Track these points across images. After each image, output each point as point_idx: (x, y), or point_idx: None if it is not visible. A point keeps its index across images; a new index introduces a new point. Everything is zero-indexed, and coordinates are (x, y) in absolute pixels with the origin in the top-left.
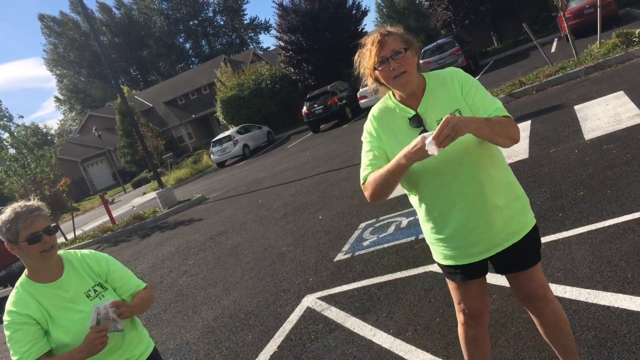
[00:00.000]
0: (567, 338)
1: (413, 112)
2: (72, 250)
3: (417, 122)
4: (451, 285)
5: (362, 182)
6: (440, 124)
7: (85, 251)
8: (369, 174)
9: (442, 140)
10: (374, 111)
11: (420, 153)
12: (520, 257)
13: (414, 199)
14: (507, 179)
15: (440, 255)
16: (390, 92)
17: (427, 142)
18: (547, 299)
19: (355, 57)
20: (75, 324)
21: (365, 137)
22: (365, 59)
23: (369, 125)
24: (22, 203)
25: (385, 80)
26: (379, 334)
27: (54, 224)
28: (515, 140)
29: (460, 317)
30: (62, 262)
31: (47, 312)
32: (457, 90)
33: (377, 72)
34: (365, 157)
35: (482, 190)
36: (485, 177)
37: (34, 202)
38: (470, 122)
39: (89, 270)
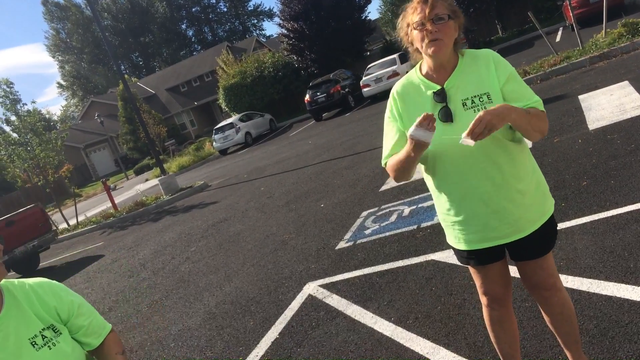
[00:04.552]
0: (572, 327)
1: (438, 87)
2: (17, 280)
3: (442, 98)
4: (471, 269)
5: (383, 163)
6: (473, 122)
7: (37, 280)
8: (387, 156)
9: (476, 137)
10: (397, 87)
11: (420, 145)
12: (535, 245)
13: (430, 181)
14: (530, 165)
15: (454, 239)
16: (418, 66)
17: (462, 135)
18: (555, 288)
19: (399, 20)
20: None
21: (387, 116)
22: (408, 16)
23: (390, 104)
24: None
25: (418, 42)
26: (380, 321)
27: None
28: (544, 134)
29: (483, 300)
30: (2, 295)
31: None
32: (492, 74)
33: (414, 32)
34: (386, 138)
35: (502, 174)
36: (506, 161)
37: None
38: (509, 113)
39: (40, 307)
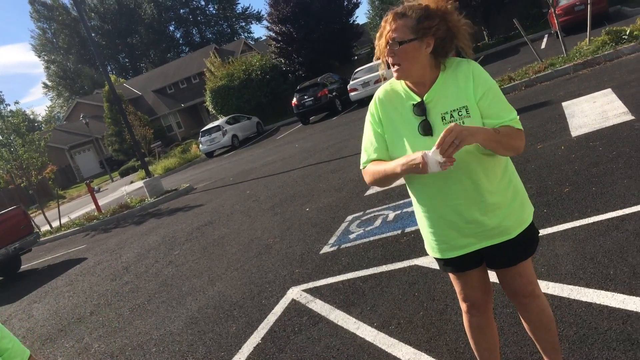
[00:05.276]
0: (551, 334)
1: (418, 99)
2: None
3: (421, 111)
4: (451, 275)
5: (361, 167)
6: (443, 132)
7: None
8: (367, 161)
9: (445, 149)
10: (380, 93)
11: (416, 169)
12: (511, 253)
13: (410, 189)
14: (507, 176)
15: (430, 247)
16: None
17: (429, 153)
18: (534, 295)
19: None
20: None
21: (367, 120)
22: (377, 36)
23: (372, 107)
24: None
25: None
26: (363, 327)
27: None
28: (518, 152)
29: (462, 306)
30: None
31: None
32: (469, 88)
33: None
34: (365, 139)
35: (477, 188)
36: (481, 175)
37: None
38: (477, 133)
39: None
